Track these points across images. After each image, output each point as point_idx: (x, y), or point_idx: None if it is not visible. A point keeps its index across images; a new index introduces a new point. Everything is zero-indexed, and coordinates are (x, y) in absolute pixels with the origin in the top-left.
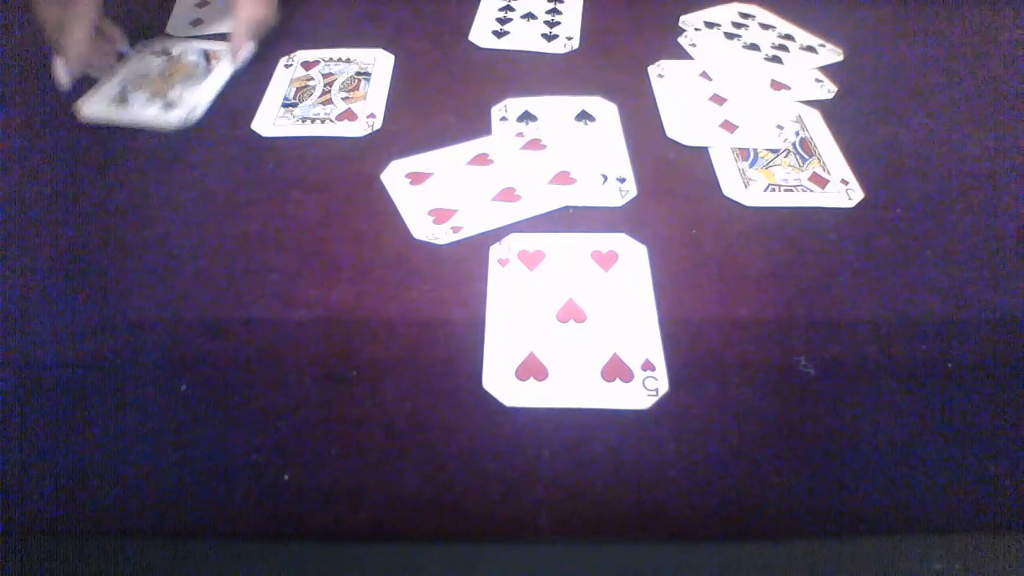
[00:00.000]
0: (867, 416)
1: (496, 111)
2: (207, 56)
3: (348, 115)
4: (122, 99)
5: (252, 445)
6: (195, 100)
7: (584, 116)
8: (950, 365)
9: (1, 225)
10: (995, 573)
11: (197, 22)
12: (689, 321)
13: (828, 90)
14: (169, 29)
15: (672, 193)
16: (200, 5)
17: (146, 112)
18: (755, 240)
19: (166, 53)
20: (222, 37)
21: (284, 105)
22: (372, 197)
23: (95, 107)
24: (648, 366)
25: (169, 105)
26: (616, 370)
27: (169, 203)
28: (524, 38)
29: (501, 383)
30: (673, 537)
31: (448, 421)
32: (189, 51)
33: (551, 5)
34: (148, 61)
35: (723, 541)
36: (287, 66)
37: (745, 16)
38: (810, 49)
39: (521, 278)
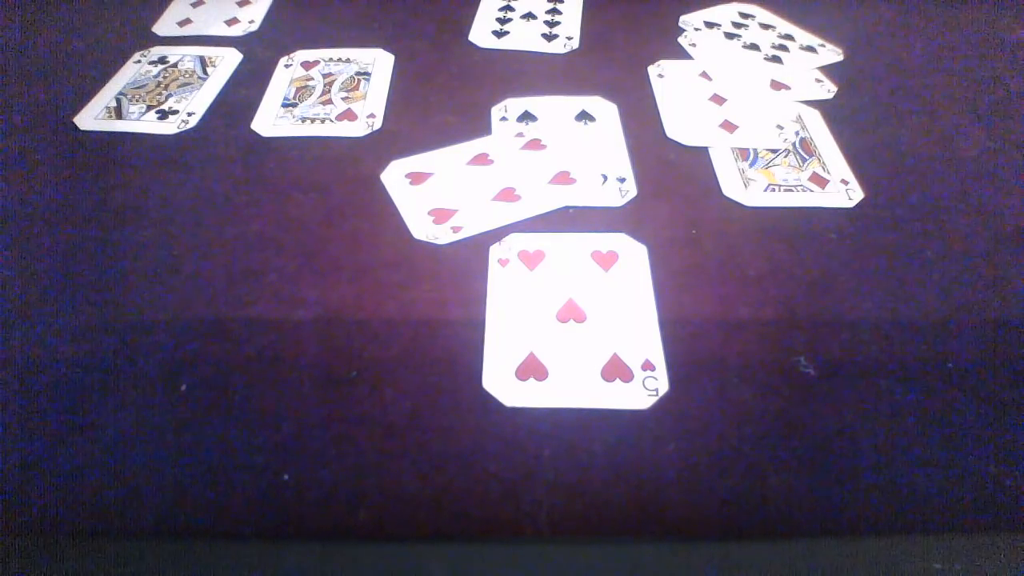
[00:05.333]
0: (867, 416)
1: (496, 111)
2: (204, 62)
3: (348, 115)
4: (118, 109)
5: (252, 445)
6: (192, 107)
7: (584, 116)
8: (950, 365)
9: (2, 226)
10: (995, 573)
11: (186, 22)
12: (689, 321)
13: (828, 90)
14: (156, 28)
15: (672, 193)
16: (195, 5)
17: (143, 122)
18: (755, 240)
19: (162, 61)
20: (211, 39)
21: (284, 105)
22: (372, 197)
23: (92, 119)
24: (648, 366)
25: (165, 113)
26: (616, 370)
27: (169, 203)
28: (524, 38)
29: (501, 383)
30: (673, 537)
31: (448, 421)
32: (185, 58)
33: (551, 5)
34: (144, 70)
35: (723, 541)
36: (287, 66)
37: (745, 16)
38: (810, 49)
39: (521, 278)
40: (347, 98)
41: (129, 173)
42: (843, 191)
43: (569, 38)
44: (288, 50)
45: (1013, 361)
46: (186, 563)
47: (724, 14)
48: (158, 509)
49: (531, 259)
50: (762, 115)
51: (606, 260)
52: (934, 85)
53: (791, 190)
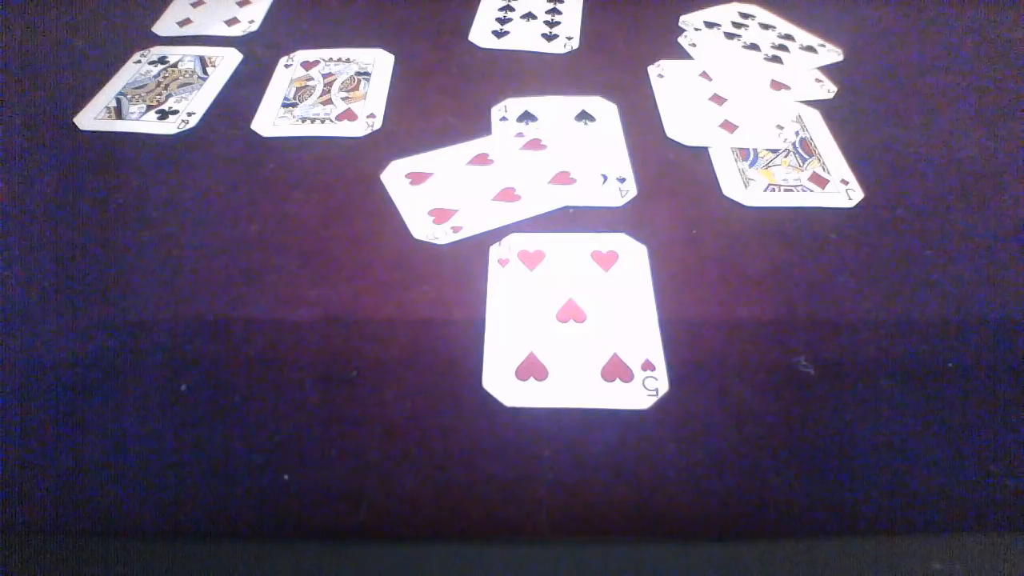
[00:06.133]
0: (867, 416)
1: (496, 111)
2: (204, 62)
3: (348, 115)
4: (118, 109)
5: (252, 445)
6: (192, 107)
7: (584, 116)
8: (950, 365)
9: (2, 226)
10: (995, 573)
11: (186, 22)
12: (689, 321)
13: (828, 90)
14: (156, 28)
15: (672, 193)
16: (195, 5)
17: (143, 122)
18: (755, 240)
19: (162, 61)
20: (211, 39)
21: (284, 105)
22: (372, 197)
23: (92, 119)
24: (648, 366)
25: (165, 113)
26: (616, 370)
27: (169, 204)
28: (524, 38)
29: (501, 383)
30: (673, 537)
31: (448, 421)
32: (185, 58)
33: (551, 5)
34: (144, 70)
35: (723, 541)
36: (287, 66)
37: (745, 16)
38: (810, 49)
39: (521, 278)
40: (347, 98)
41: (129, 173)
42: (843, 191)
43: (569, 38)
44: (288, 50)
45: (1013, 361)
46: (186, 563)
47: (724, 14)
48: (158, 509)
49: (531, 259)
50: (762, 115)
51: (606, 260)
52: (934, 85)
53: (791, 190)
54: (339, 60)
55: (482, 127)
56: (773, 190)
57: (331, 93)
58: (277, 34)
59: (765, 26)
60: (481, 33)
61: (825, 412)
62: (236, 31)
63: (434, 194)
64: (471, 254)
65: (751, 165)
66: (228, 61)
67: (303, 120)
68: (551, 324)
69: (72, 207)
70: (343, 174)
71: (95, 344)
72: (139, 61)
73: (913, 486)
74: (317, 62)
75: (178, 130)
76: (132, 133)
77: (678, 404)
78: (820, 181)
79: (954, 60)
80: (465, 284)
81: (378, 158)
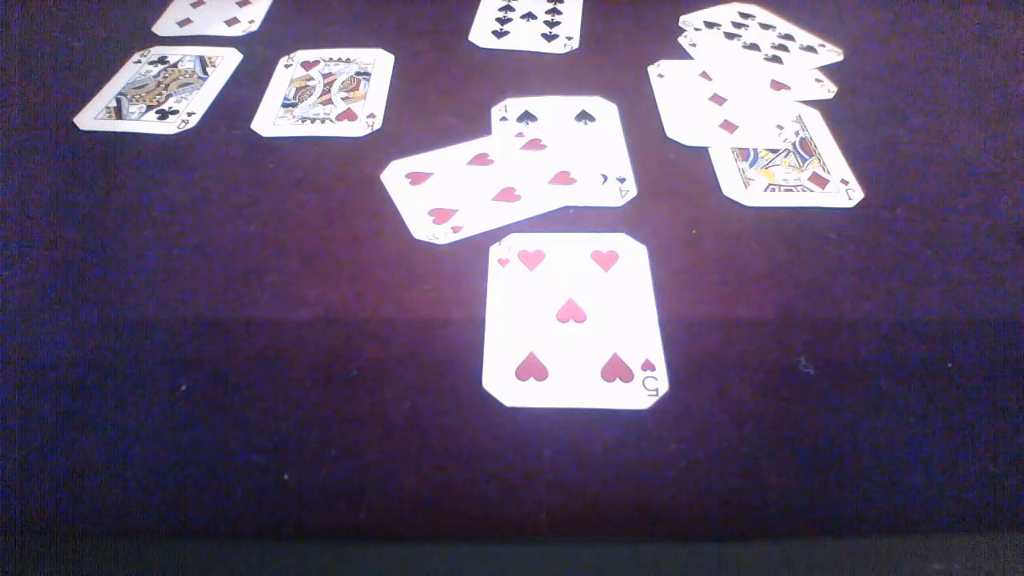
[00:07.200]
0: (867, 416)
1: (496, 111)
2: (204, 62)
3: (348, 115)
4: (118, 109)
5: (252, 445)
6: (192, 107)
7: (584, 116)
8: (950, 365)
9: (2, 225)
10: (995, 573)
11: (186, 22)
12: (689, 321)
13: (828, 90)
14: (156, 28)
15: (672, 193)
16: (195, 5)
17: (143, 122)
18: (755, 240)
19: (162, 61)
20: (211, 39)
21: (284, 105)
22: (372, 197)
23: (92, 119)
24: (648, 366)
25: (165, 113)
26: (616, 370)
27: (169, 203)
28: (524, 38)
29: (501, 383)
30: (673, 537)
31: (448, 421)
32: (185, 58)
33: (551, 5)
34: (144, 70)
35: (723, 541)
36: (287, 66)
37: (745, 16)
38: (810, 49)
39: (521, 278)
40: (347, 98)
41: (129, 173)
42: (843, 191)
43: (569, 38)
44: (288, 50)
45: (1013, 361)
46: (186, 563)
47: (724, 14)
48: (158, 509)
49: (531, 259)
50: (762, 115)
51: (606, 260)
52: (934, 85)
53: (791, 190)
54: (339, 60)
55: (482, 127)
56: (773, 190)
57: (331, 93)
58: (277, 34)
59: (765, 26)
60: (481, 33)
61: (825, 412)
62: (236, 31)
63: (434, 194)
64: (471, 254)
65: (751, 165)
66: (228, 61)
67: (303, 120)
68: (551, 324)
69: (72, 207)
70: (343, 174)
71: (95, 344)
72: (139, 61)
73: (913, 486)
74: (317, 62)
75: (178, 130)
76: (132, 133)
77: (678, 404)
78: (820, 181)
79: (954, 60)
80: (465, 284)
81: (378, 158)
